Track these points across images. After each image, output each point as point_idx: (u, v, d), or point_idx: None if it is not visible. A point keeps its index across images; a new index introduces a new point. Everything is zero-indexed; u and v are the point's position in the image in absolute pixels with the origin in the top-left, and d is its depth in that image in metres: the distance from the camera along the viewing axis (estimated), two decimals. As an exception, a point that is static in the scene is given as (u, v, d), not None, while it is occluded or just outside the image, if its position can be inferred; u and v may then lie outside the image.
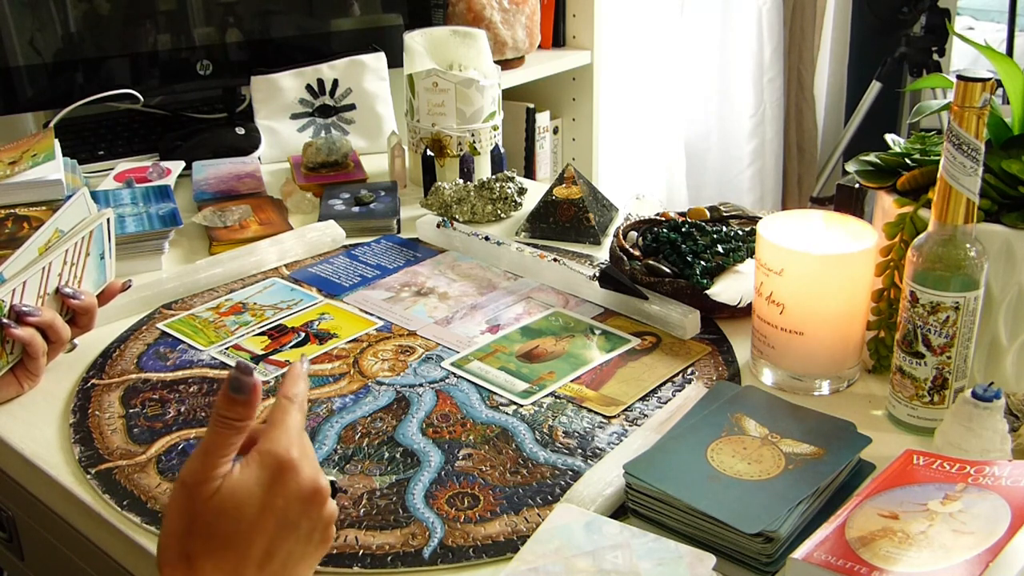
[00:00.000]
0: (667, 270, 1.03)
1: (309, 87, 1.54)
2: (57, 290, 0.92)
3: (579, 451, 0.83)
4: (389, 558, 0.72)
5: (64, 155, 1.29)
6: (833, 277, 0.86)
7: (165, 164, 1.40)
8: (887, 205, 0.88)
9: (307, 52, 1.57)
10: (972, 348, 0.81)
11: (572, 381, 0.93)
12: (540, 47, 2.01)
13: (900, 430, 0.85)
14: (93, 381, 0.94)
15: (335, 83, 1.55)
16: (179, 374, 0.95)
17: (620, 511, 0.75)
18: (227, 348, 0.99)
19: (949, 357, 0.80)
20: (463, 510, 0.76)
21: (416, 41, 1.38)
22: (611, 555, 0.66)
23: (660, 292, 1.02)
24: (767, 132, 2.89)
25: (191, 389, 0.93)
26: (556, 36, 2.06)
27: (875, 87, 2.82)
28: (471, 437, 0.85)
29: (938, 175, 0.77)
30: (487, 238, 1.17)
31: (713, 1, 2.68)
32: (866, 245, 0.85)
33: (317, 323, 1.04)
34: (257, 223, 1.25)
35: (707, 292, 1.00)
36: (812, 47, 2.95)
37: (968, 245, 0.78)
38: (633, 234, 1.11)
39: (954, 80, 0.75)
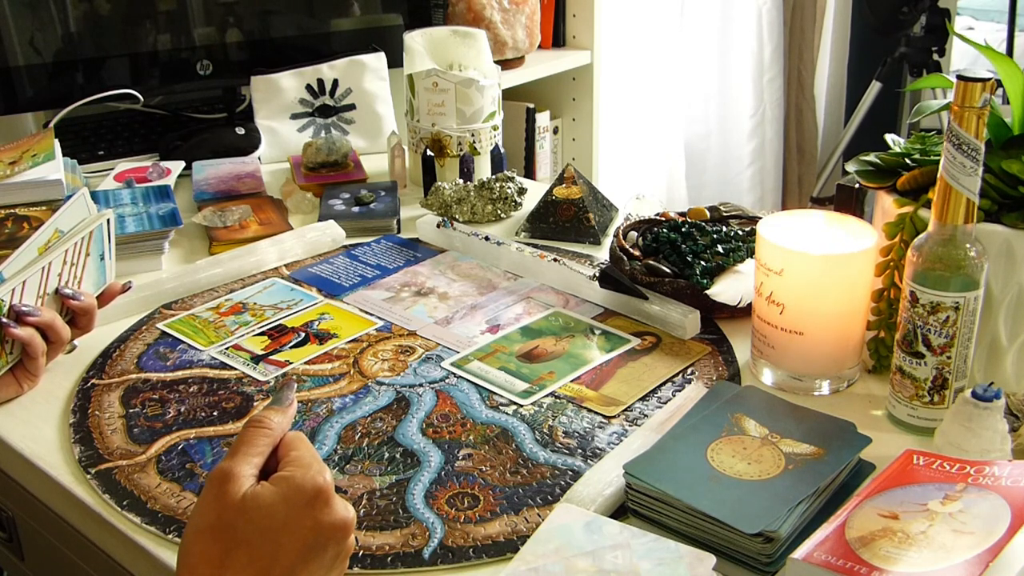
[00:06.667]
0: (667, 270, 1.03)
1: (309, 87, 1.54)
2: (57, 290, 0.92)
3: (579, 451, 0.83)
4: (389, 558, 0.72)
5: (64, 155, 1.29)
6: (833, 277, 0.86)
7: (165, 164, 1.40)
8: (887, 205, 0.88)
9: (307, 52, 1.57)
10: (972, 348, 0.81)
11: (572, 381, 0.93)
12: (540, 47, 2.01)
13: (900, 430, 0.85)
14: (93, 381, 0.94)
15: (335, 83, 1.55)
16: (179, 374, 0.95)
17: (620, 511, 0.75)
18: (227, 348, 0.99)
19: (949, 357, 0.80)
20: (463, 510, 0.76)
21: (416, 41, 1.38)
22: (611, 555, 0.66)
23: (660, 292, 1.02)
24: (767, 132, 2.89)
25: (191, 389, 0.93)
26: (556, 36, 2.06)
27: (875, 87, 2.82)
28: (471, 437, 0.85)
29: (938, 175, 0.77)
30: (487, 238, 1.17)
31: (713, 1, 2.68)
32: (866, 245, 0.85)
33: (317, 323, 1.04)
34: (257, 223, 1.25)
35: (707, 292, 1.00)
36: (812, 47, 2.95)
37: (968, 245, 0.78)
38: (633, 234, 1.11)
39: (954, 80, 0.75)
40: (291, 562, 0.58)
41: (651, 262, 1.04)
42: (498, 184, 1.29)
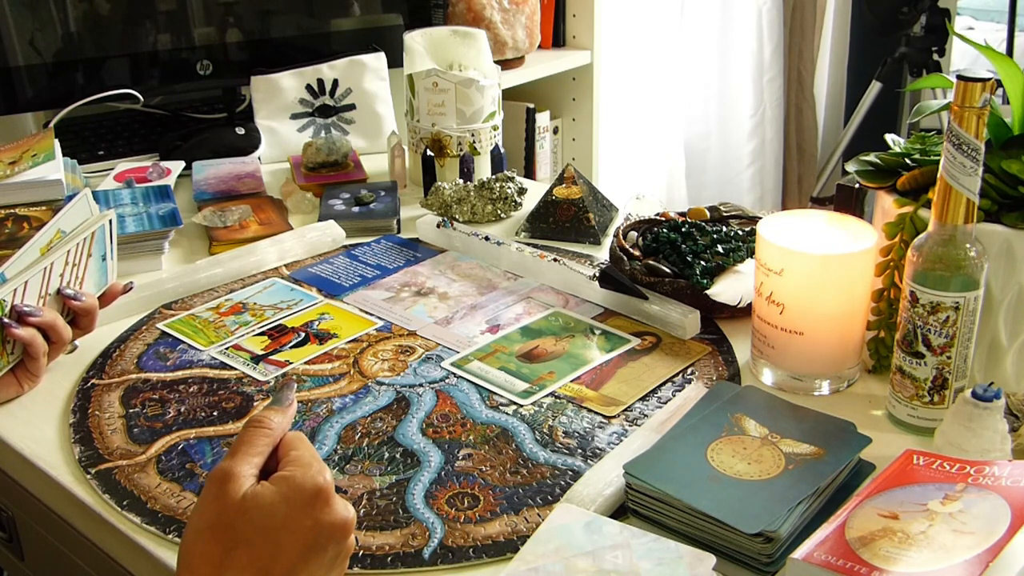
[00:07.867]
0: (667, 270, 1.03)
1: (309, 87, 1.54)
2: (58, 291, 0.92)
3: (579, 451, 0.83)
4: (389, 558, 0.72)
5: (64, 155, 1.29)
6: (833, 277, 0.86)
7: (165, 164, 1.40)
8: (887, 205, 0.88)
9: (307, 52, 1.57)
10: (972, 348, 0.81)
11: (572, 381, 0.93)
12: (540, 47, 2.01)
13: (900, 430, 0.85)
14: (93, 381, 0.94)
15: (335, 83, 1.55)
16: (179, 374, 0.95)
17: (620, 511, 0.75)
18: (227, 348, 0.99)
19: (949, 357, 0.80)
20: (463, 510, 0.76)
21: (416, 41, 1.38)
22: (611, 555, 0.66)
23: (660, 292, 1.02)
24: (767, 132, 2.89)
25: (191, 389, 0.93)
26: (556, 36, 2.06)
27: (875, 87, 2.82)
28: (471, 437, 0.85)
29: (938, 175, 0.77)
30: (487, 238, 1.17)
31: (713, 1, 2.68)
32: (866, 245, 0.85)
33: (317, 323, 1.04)
34: (257, 223, 1.25)
35: (707, 292, 1.00)
36: (812, 47, 2.95)
37: (968, 245, 0.78)
38: (633, 234, 1.11)
39: (954, 80, 0.75)
40: (291, 562, 0.58)
41: (651, 262, 1.04)
42: (498, 184, 1.29)
